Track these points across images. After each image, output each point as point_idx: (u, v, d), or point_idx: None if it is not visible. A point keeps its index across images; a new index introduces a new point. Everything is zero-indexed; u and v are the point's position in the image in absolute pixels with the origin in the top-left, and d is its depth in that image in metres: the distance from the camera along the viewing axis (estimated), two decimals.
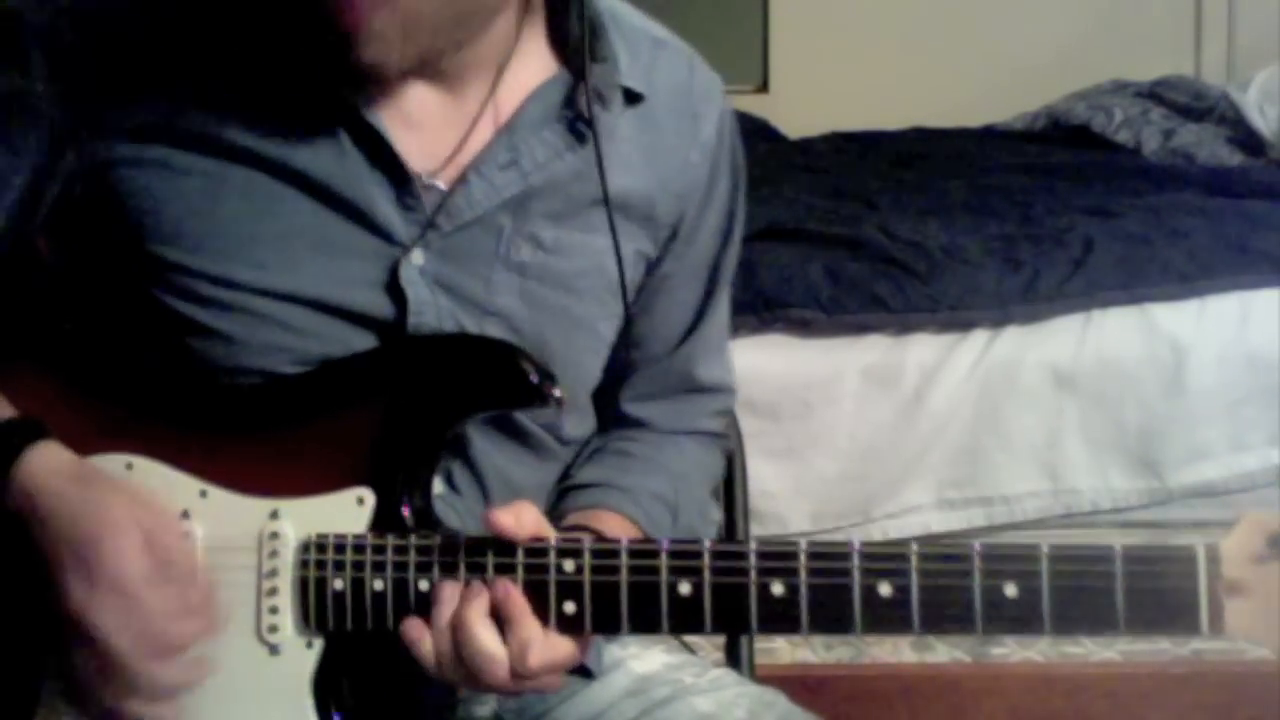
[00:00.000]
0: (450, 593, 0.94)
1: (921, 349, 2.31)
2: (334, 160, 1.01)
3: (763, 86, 4.00)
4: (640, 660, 1.18)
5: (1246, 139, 3.25)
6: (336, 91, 1.00)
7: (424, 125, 1.03)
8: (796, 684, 1.23)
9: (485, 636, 0.93)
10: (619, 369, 1.16)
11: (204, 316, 1.01)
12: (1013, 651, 2.22)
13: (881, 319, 2.31)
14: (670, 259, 1.13)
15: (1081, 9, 3.86)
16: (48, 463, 0.98)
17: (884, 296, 2.31)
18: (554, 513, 1.10)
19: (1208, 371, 2.29)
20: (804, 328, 2.31)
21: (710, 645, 1.61)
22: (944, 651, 2.23)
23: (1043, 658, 2.22)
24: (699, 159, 1.13)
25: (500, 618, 0.94)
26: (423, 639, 0.95)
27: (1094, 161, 3.15)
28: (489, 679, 0.93)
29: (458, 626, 0.93)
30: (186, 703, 0.98)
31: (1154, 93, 3.51)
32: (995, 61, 3.84)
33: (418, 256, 1.02)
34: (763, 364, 2.24)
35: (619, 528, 1.06)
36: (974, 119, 3.67)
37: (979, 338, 2.31)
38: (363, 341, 1.02)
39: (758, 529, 2.31)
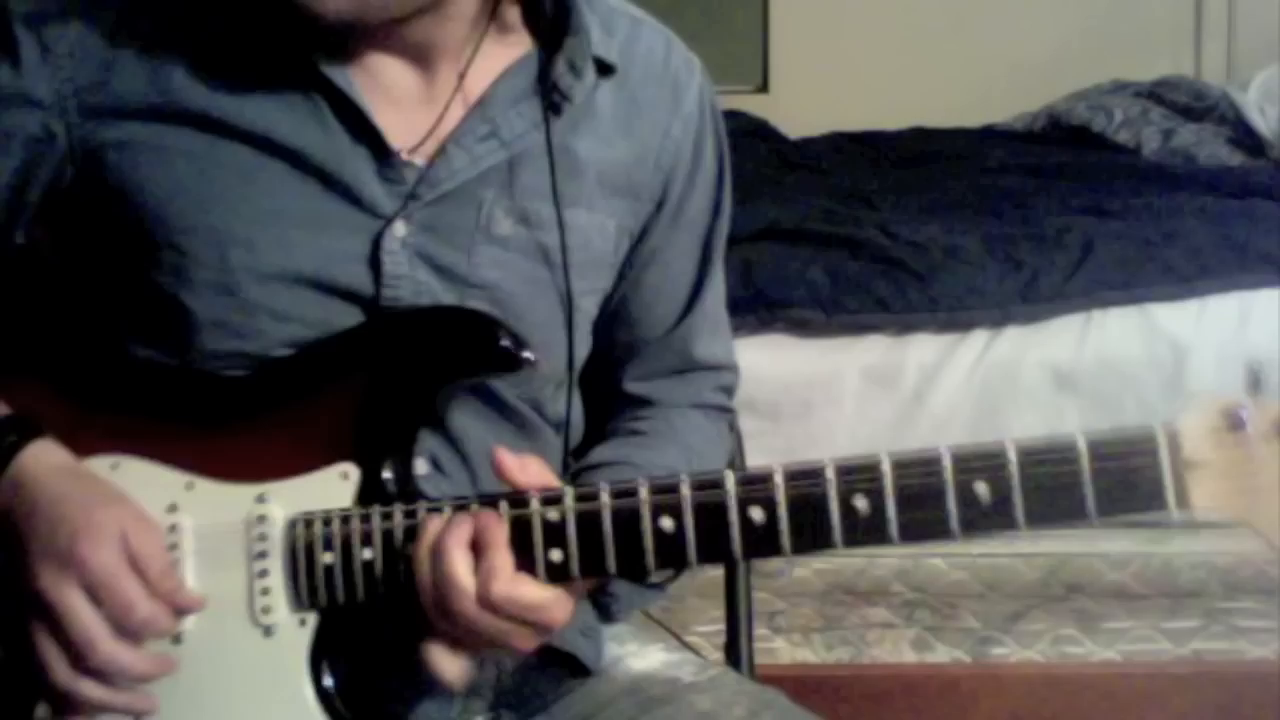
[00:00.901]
0: (435, 523, 0.95)
1: (921, 349, 2.31)
2: (318, 135, 1.03)
3: (763, 86, 4.00)
4: (639, 658, 1.18)
5: (1246, 139, 3.25)
6: (318, 69, 1.01)
7: (402, 102, 1.05)
8: (796, 684, 1.23)
9: (457, 561, 0.93)
10: (619, 351, 1.16)
11: (191, 299, 1.02)
12: (1013, 651, 2.22)
13: (881, 319, 2.31)
14: (659, 233, 1.14)
15: (1081, 9, 3.86)
16: (44, 459, 0.99)
17: (884, 296, 2.31)
18: None
19: (1208, 371, 2.28)
20: (804, 328, 2.31)
21: (710, 645, 1.61)
22: (944, 651, 2.23)
23: (1043, 658, 2.22)
24: (681, 131, 1.14)
25: (478, 548, 0.94)
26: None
27: (1094, 161, 3.15)
28: (455, 605, 0.93)
29: (436, 551, 0.94)
30: (183, 689, 0.98)
31: (1154, 93, 3.50)
32: (995, 61, 3.84)
33: (400, 228, 1.04)
34: (763, 364, 2.24)
35: None
36: (974, 119, 3.67)
37: (979, 338, 2.31)
38: (347, 318, 1.04)
39: None
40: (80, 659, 0.95)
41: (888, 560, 2.32)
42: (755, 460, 1.57)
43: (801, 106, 3.77)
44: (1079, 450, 0.89)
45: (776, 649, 2.21)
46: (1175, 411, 0.91)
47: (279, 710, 0.99)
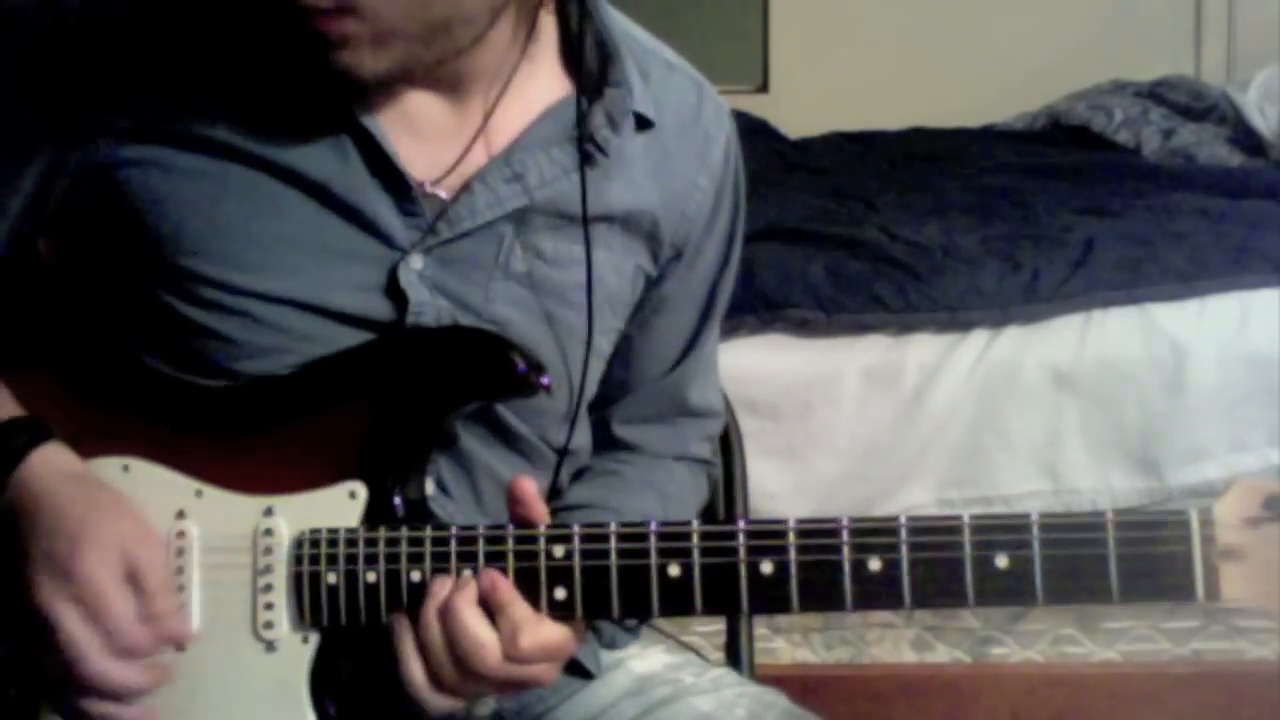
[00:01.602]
0: (438, 587, 0.95)
1: (921, 349, 2.31)
2: (336, 165, 1.01)
3: (763, 86, 3.99)
4: (640, 660, 1.18)
5: (1246, 139, 3.25)
6: (340, 98, 1.00)
7: (427, 134, 1.04)
8: (796, 684, 1.23)
9: (474, 622, 0.93)
10: (612, 389, 1.16)
11: (204, 318, 1.01)
12: (1013, 651, 2.22)
13: (881, 319, 2.31)
14: (672, 280, 1.14)
15: (1081, 9, 3.86)
16: (51, 462, 0.99)
17: (884, 296, 2.31)
18: None
19: (1208, 371, 2.28)
20: (804, 328, 2.31)
21: (710, 645, 1.61)
22: (944, 651, 2.23)
23: (1043, 658, 2.22)
24: (706, 183, 1.14)
25: (489, 606, 0.94)
26: (404, 638, 0.95)
27: (1094, 161, 3.15)
28: (480, 666, 0.93)
29: (446, 614, 0.94)
30: (183, 700, 0.98)
31: (1154, 93, 3.50)
32: (995, 61, 3.84)
33: (416, 261, 1.03)
34: (763, 364, 2.24)
35: None
36: (974, 119, 3.67)
37: (979, 338, 2.31)
38: (360, 343, 1.03)
39: None
40: (70, 672, 0.95)
41: None
42: (754, 461, 1.58)
43: (801, 106, 3.77)
44: (1105, 523, 0.87)
45: (776, 649, 2.21)
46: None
47: None
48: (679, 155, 1.12)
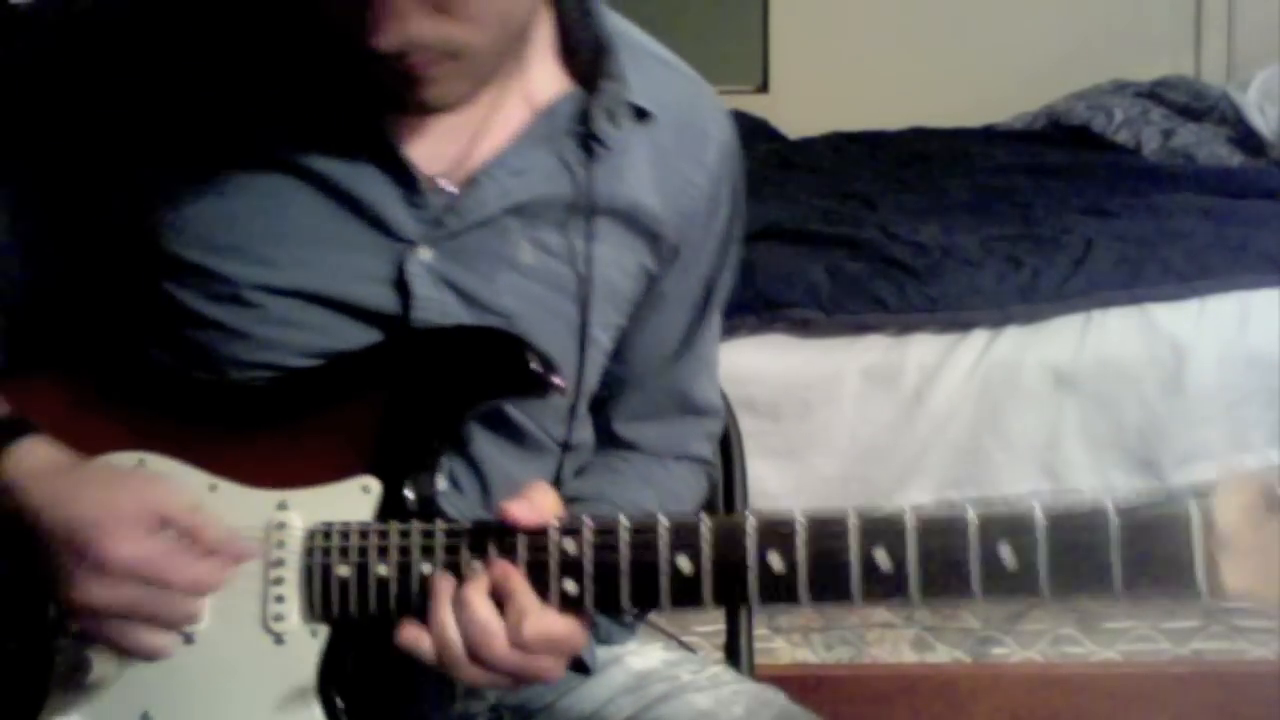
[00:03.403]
0: (446, 582, 0.95)
1: (921, 349, 2.31)
2: (344, 159, 1.02)
3: (763, 86, 3.99)
4: (638, 657, 1.18)
5: (1246, 139, 3.25)
6: (358, 101, 1.00)
7: (434, 129, 1.04)
8: (796, 684, 1.23)
9: (483, 609, 0.94)
10: (610, 386, 1.16)
11: (214, 311, 1.02)
12: (1013, 651, 2.22)
13: (881, 319, 2.31)
14: (670, 278, 1.14)
15: (1081, 9, 3.86)
16: (33, 457, 0.99)
17: (884, 296, 2.31)
18: None
19: (1208, 371, 2.28)
20: (804, 328, 2.31)
21: (709, 644, 1.61)
22: (944, 651, 2.23)
23: (1043, 658, 2.22)
24: (703, 181, 1.14)
25: (499, 597, 0.94)
26: (420, 638, 0.95)
27: (1094, 161, 3.15)
28: (487, 652, 0.94)
29: (457, 603, 0.94)
30: (192, 692, 0.99)
31: (1154, 93, 3.50)
32: (995, 61, 3.84)
33: (424, 253, 1.04)
34: (763, 364, 2.24)
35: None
36: (974, 119, 3.67)
37: (979, 338, 2.31)
38: (367, 335, 1.03)
39: None
40: (171, 622, 0.97)
41: None
42: (754, 461, 1.58)
43: (801, 106, 3.77)
44: (1108, 517, 0.87)
45: (776, 649, 2.21)
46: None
47: (285, 718, 0.99)
48: (676, 152, 1.12)
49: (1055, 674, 2.21)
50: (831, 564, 0.91)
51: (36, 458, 0.99)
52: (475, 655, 0.94)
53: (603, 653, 1.16)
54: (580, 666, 1.13)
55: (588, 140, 1.06)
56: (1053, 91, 3.66)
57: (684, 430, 1.22)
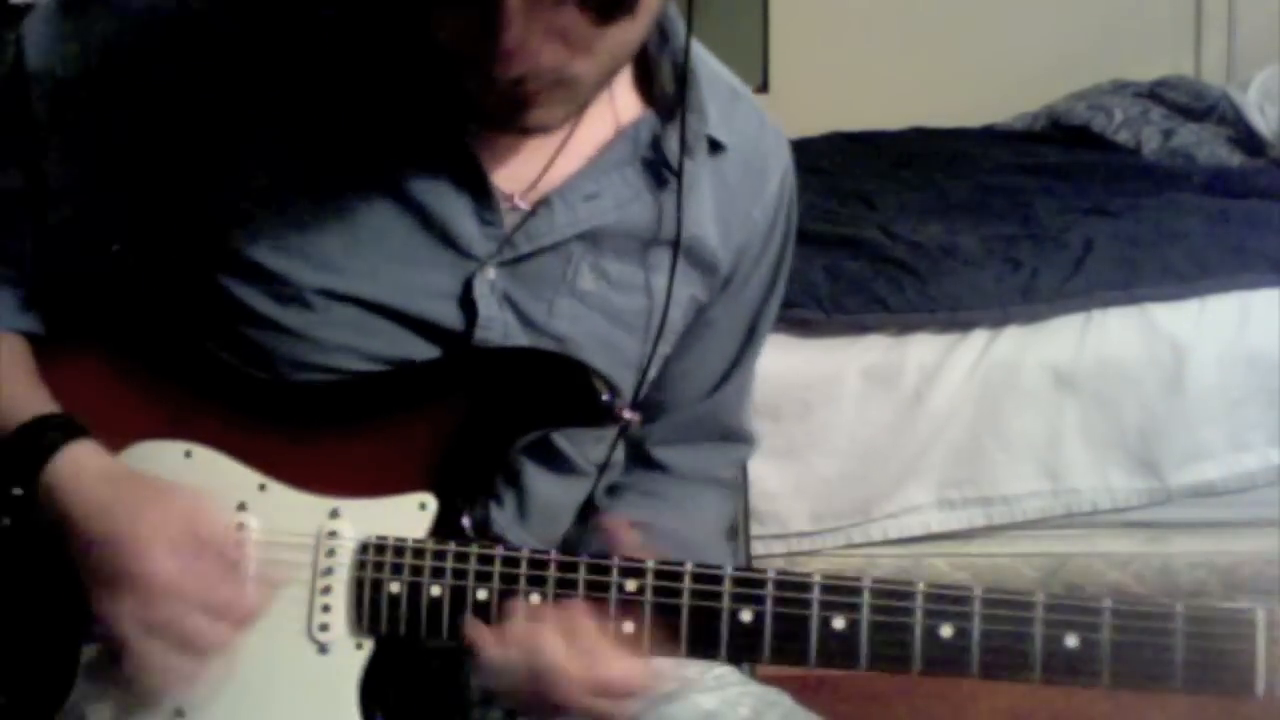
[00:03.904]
0: (522, 609, 0.94)
1: (921, 349, 2.31)
2: (423, 172, 1.01)
3: (763, 86, 3.99)
4: None
5: (1246, 139, 3.25)
6: (448, 117, 0.99)
7: (512, 149, 1.03)
8: (798, 683, 1.22)
9: (555, 649, 0.93)
10: (646, 408, 1.16)
11: (277, 314, 1.01)
12: None
13: (881, 319, 2.31)
14: (718, 306, 1.14)
15: (1081, 9, 3.86)
16: (81, 462, 0.98)
17: (884, 296, 2.31)
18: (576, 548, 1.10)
19: (1208, 371, 2.29)
20: (804, 328, 2.31)
21: None
22: None
23: None
24: (760, 215, 1.14)
25: (569, 636, 0.93)
26: (487, 644, 0.94)
27: (1094, 161, 3.15)
28: (560, 694, 0.93)
29: (527, 641, 0.93)
30: (228, 692, 0.98)
31: (1154, 93, 3.50)
32: (995, 61, 3.84)
33: (491, 272, 1.02)
34: (763, 364, 2.22)
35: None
36: (974, 119, 3.67)
37: (979, 338, 2.31)
38: (427, 349, 1.02)
39: (758, 529, 2.31)
40: (199, 651, 0.95)
41: (888, 560, 2.32)
42: (754, 461, 1.57)
43: (801, 106, 3.76)
44: (1175, 614, 0.89)
45: None
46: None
47: None
48: (738, 185, 1.11)
49: None
50: (895, 631, 0.91)
51: (84, 464, 0.98)
52: (547, 696, 0.93)
53: None
54: None
55: (661, 169, 1.05)
56: (1053, 91, 3.66)
57: (716, 456, 1.23)
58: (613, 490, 1.17)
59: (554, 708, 0.94)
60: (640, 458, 1.19)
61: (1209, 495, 2.31)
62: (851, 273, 2.35)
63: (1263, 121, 3.27)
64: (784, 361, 2.28)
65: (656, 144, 1.05)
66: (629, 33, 0.91)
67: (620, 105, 1.06)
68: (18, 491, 0.98)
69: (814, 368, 2.30)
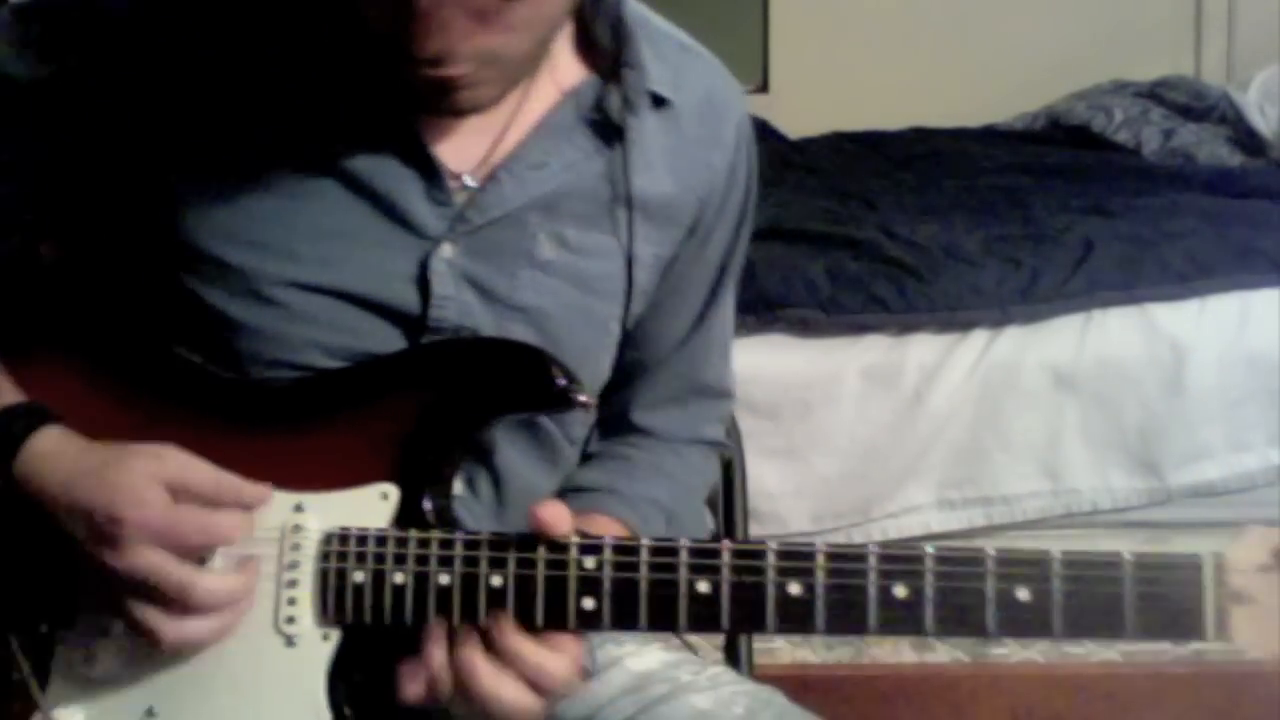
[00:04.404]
0: (439, 632, 0.95)
1: (921, 349, 2.31)
2: (370, 156, 1.02)
3: (763, 86, 4.00)
4: (638, 658, 1.18)
5: (1246, 139, 3.25)
6: (390, 99, 1.00)
7: (459, 127, 1.04)
8: (795, 683, 1.23)
9: (486, 675, 0.94)
10: (625, 371, 1.16)
11: (235, 308, 1.02)
12: (1013, 651, 2.22)
13: (881, 319, 2.31)
14: (683, 260, 1.14)
15: (1081, 9, 3.86)
16: (51, 443, 0.99)
17: (884, 296, 2.31)
18: None
19: (1208, 371, 2.29)
20: (804, 328, 2.31)
21: (709, 644, 1.61)
22: (944, 651, 2.23)
23: (1043, 658, 2.22)
24: (720, 162, 1.14)
25: (498, 651, 0.94)
26: (411, 689, 0.95)
27: (1094, 161, 3.15)
28: (501, 710, 0.94)
29: (459, 670, 0.94)
30: (198, 689, 0.99)
31: (1154, 93, 3.51)
32: (995, 61, 3.84)
33: (447, 250, 1.04)
34: (763, 364, 2.24)
35: (610, 531, 1.07)
36: (974, 119, 3.67)
37: (979, 338, 2.31)
38: (390, 334, 1.04)
39: (757, 529, 2.30)
40: (184, 607, 0.95)
41: None
42: (754, 461, 1.58)
43: (801, 106, 3.77)
44: (1123, 562, 0.89)
45: (776, 649, 2.21)
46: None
47: (292, 719, 0.99)
48: (694, 135, 1.12)
49: (1055, 674, 2.21)
50: (850, 595, 0.92)
51: (59, 444, 0.99)
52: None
53: (602, 655, 1.16)
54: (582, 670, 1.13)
55: (607, 130, 1.06)
56: (1053, 91, 3.66)
57: (697, 413, 1.22)
58: (586, 459, 1.17)
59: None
60: (623, 426, 1.19)
61: (1209, 495, 2.31)
62: (851, 273, 2.35)
63: (1263, 121, 3.27)
64: (784, 361, 2.28)
65: (600, 105, 1.06)
66: (544, 5, 0.93)
67: (562, 72, 1.07)
68: None
69: (814, 368, 2.30)
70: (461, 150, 1.04)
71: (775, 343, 2.30)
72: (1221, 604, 0.88)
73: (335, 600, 0.98)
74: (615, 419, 1.19)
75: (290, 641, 0.99)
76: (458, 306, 1.04)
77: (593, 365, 1.10)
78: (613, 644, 1.18)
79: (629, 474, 1.15)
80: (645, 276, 1.11)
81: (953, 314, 2.31)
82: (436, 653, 0.95)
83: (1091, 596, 0.89)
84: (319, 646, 0.99)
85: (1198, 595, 0.88)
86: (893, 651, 2.23)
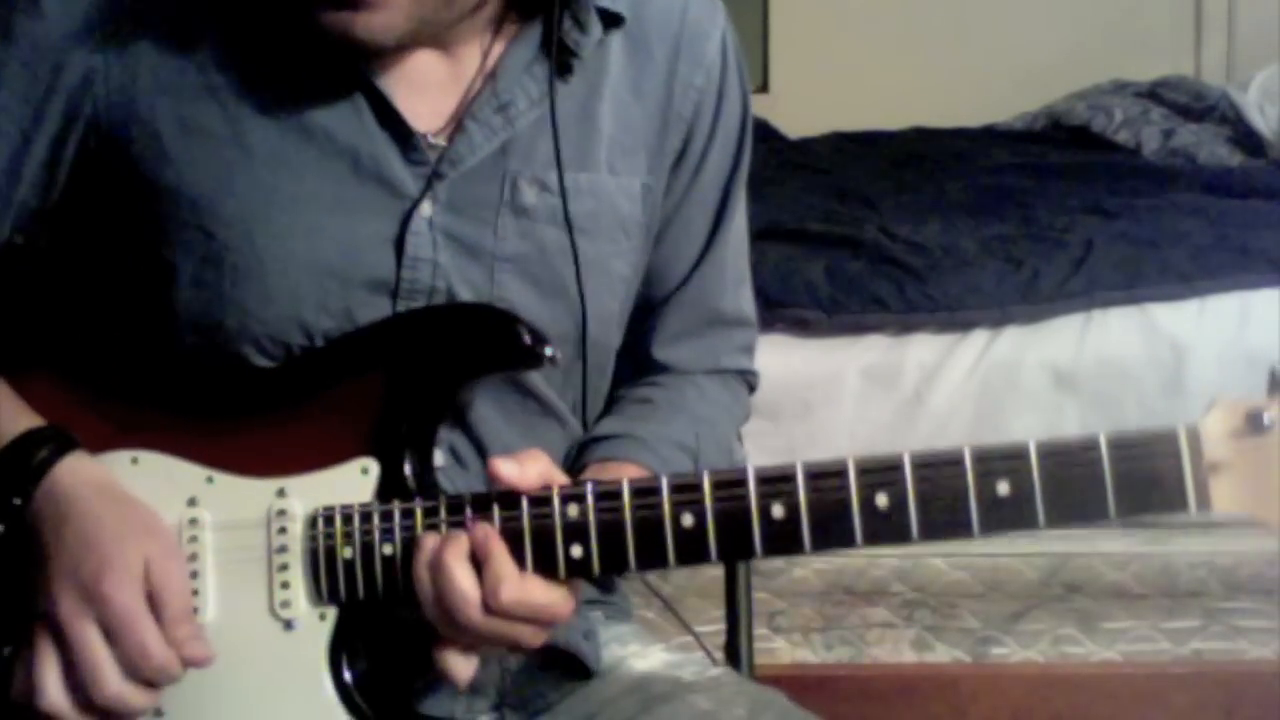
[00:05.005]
0: (430, 541, 0.96)
1: (921, 349, 2.31)
2: (348, 121, 1.03)
3: (763, 86, 4.00)
4: (640, 658, 1.18)
5: (1246, 139, 3.25)
6: (348, 57, 1.01)
7: (427, 88, 1.05)
8: (796, 684, 1.23)
9: (459, 574, 0.94)
10: (642, 309, 1.16)
11: (216, 279, 1.02)
12: (1013, 651, 2.22)
13: (881, 319, 2.31)
14: (680, 187, 1.14)
15: (1081, 9, 3.86)
16: (78, 474, 1.00)
17: (884, 296, 2.31)
18: (573, 468, 1.10)
19: (1208, 371, 2.29)
20: (804, 328, 2.31)
21: (710, 645, 1.61)
22: (944, 651, 2.23)
23: (1043, 658, 2.22)
24: (704, 81, 1.13)
25: (478, 560, 0.94)
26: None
27: (1094, 161, 3.15)
28: (463, 619, 0.94)
29: (435, 567, 0.94)
30: (203, 683, 0.99)
31: (1154, 93, 3.51)
32: (995, 61, 3.84)
33: (426, 208, 1.04)
34: (763, 364, 2.22)
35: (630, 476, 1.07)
36: (974, 119, 3.67)
37: (979, 338, 2.31)
38: (369, 302, 1.04)
39: None
40: (85, 691, 0.95)
41: (888, 560, 2.32)
42: (755, 460, 1.57)
43: (801, 106, 3.77)
44: (1101, 448, 0.89)
45: (776, 649, 2.21)
46: (1190, 411, 0.90)
47: (298, 704, 0.99)
48: (666, 57, 1.11)
49: (1055, 674, 2.21)
50: (833, 509, 0.93)
51: (81, 474, 1.00)
52: (450, 619, 0.94)
53: (605, 654, 1.16)
54: (582, 669, 1.13)
55: (560, 55, 1.06)
56: (1053, 91, 3.66)
57: (714, 343, 1.22)
58: (608, 407, 1.17)
59: (460, 629, 0.95)
60: (645, 364, 1.19)
61: None
62: (851, 273, 2.35)
63: (1263, 121, 3.26)
64: (784, 361, 2.28)
65: (549, 35, 1.06)
66: None
67: (524, 18, 1.06)
68: (17, 501, 0.99)
69: (814, 368, 2.30)
70: (432, 111, 1.05)
71: (775, 343, 2.30)
72: (1200, 475, 0.89)
73: (328, 579, 0.99)
74: (638, 358, 1.19)
75: (288, 625, 1.00)
76: (430, 269, 1.04)
77: (599, 309, 1.10)
78: (616, 644, 1.18)
79: (647, 416, 1.15)
80: (635, 208, 1.10)
81: (953, 314, 2.31)
82: (423, 555, 0.95)
83: (1071, 481, 0.89)
84: (317, 627, 0.99)
85: (1177, 467, 0.89)
86: (893, 651, 2.23)
